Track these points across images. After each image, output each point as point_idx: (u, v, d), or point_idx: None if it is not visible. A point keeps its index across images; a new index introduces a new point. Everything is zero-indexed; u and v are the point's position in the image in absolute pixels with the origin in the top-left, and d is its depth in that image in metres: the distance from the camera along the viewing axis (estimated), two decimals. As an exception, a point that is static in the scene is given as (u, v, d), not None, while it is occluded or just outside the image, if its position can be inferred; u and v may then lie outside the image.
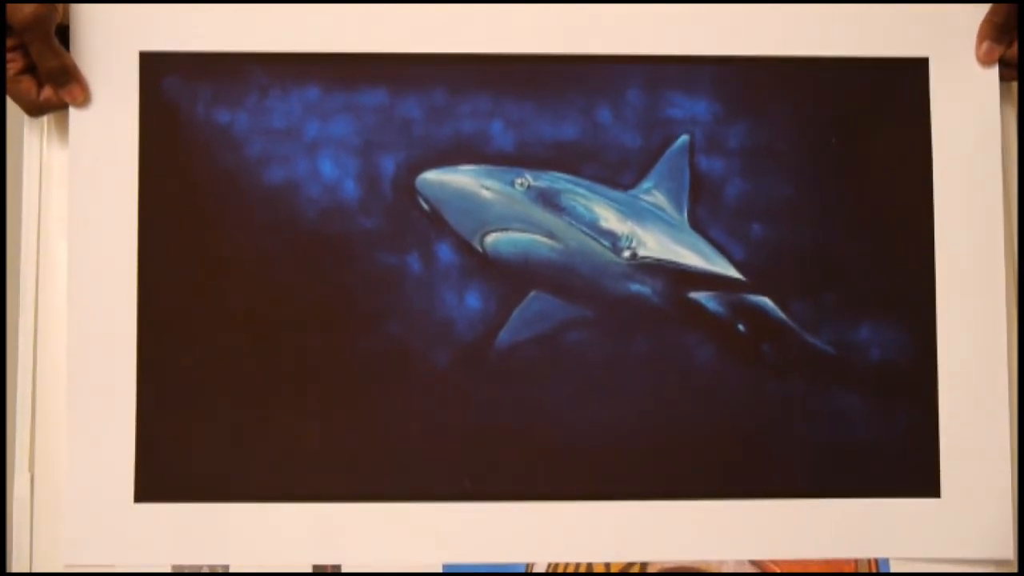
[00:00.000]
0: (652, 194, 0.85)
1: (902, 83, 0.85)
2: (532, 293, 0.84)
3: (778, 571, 0.83)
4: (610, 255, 0.84)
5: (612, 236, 0.84)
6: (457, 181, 0.84)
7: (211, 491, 0.82)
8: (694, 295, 0.84)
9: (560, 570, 0.83)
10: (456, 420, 0.83)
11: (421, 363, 0.83)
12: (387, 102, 0.84)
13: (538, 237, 0.84)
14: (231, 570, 0.82)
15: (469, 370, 0.83)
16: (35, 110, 0.82)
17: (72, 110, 0.82)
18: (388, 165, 0.84)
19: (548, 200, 0.84)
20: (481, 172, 0.84)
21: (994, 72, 0.84)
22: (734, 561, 0.83)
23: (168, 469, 0.82)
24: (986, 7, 0.83)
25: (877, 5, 0.85)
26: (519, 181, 0.84)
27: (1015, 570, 0.83)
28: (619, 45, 0.85)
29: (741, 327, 0.84)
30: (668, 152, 0.85)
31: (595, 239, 0.84)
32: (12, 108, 0.84)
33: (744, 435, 0.84)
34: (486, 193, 0.84)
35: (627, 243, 0.84)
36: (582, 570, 0.83)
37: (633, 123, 0.85)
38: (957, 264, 0.84)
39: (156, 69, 0.83)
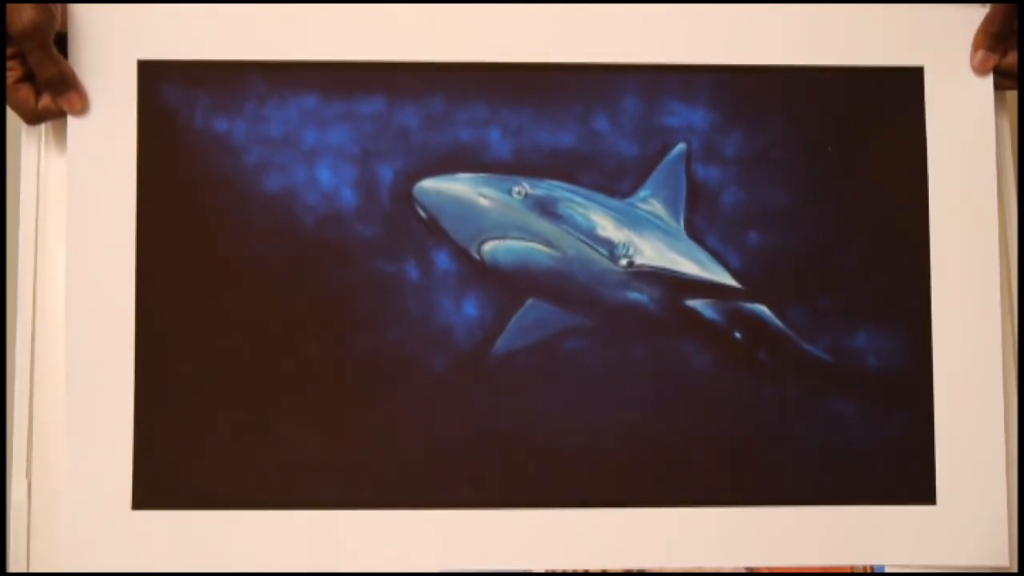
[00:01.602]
0: (649, 202, 0.85)
1: (898, 92, 0.85)
2: (529, 301, 0.84)
3: (774, 577, 0.83)
4: (607, 263, 0.85)
5: (609, 244, 0.85)
6: (454, 189, 0.84)
7: (209, 498, 0.82)
8: (691, 303, 0.85)
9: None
10: (454, 427, 0.83)
11: (419, 371, 0.83)
12: (385, 110, 0.84)
13: (535, 245, 0.84)
14: (229, 577, 0.82)
15: (467, 378, 0.83)
16: (33, 118, 0.82)
17: (70, 118, 0.82)
18: (386, 173, 0.84)
19: (545, 208, 0.84)
20: (479, 180, 0.84)
21: (989, 81, 0.85)
22: (730, 568, 0.83)
23: (166, 476, 0.82)
24: (981, 16, 0.84)
25: (873, 15, 0.85)
26: (516, 189, 0.84)
27: (1015, 570, 0.83)
28: (616, 54, 0.85)
29: (738, 335, 0.84)
30: (665, 160, 0.85)
31: (592, 247, 0.84)
32: (11, 116, 0.84)
33: (741, 442, 0.84)
34: (484, 201, 0.84)
35: (624, 251, 0.85)
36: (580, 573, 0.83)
37: (630, 131, 0.85)
38: (953, 272, 0.84)
39: (154, 77, 0.83)
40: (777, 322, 0.84)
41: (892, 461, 0.84)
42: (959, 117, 0.85)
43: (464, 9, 0.84)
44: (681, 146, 0.85)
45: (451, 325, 0.83)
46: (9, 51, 0.78)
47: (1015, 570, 0.83)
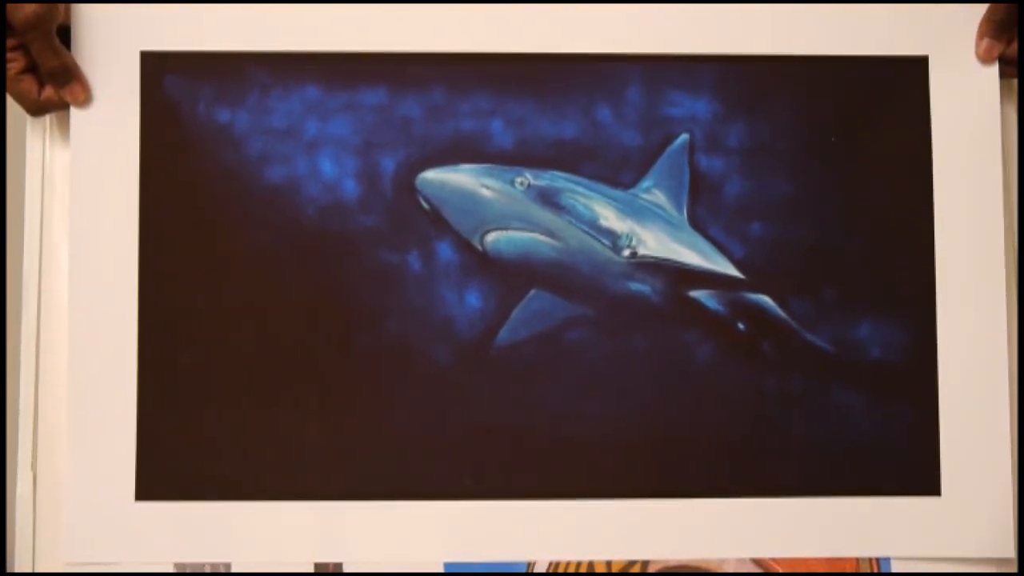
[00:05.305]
0: (652, 193, 0.85)
1: (902, 81, 0.85)
2: (532, 292, 0.84)
3: (779, 570, 0.83)
4: (610, 254, 0.84)
5: (612, 235, 0.84)
6: (457, 180, 0.84)
7: (212, 489, 0.82)
8: (694, 293, 0.84)
9: (561, 569, 0.83)
10: (456, 418, 0.83)
11: (421, 362, 0.83)
12: (387, 101, 0.84)
13: (538, 236, 0.84)
14: (233, 568, 0.82)
15: (469, 368, 0.83)
16: (37, 110, 0.82)
17: (73, 110, 0.83)
18: (388, 164, 0.84)
19: (548, 199, 0.84)
20: (481, 171, 0.84)
21: (994, 70, 0.84)
22: (735, 560, 0.83)
23: (169, 467, 0.82)
24: (985, 5, 0.83)
25: (877, 4, 0.85)
26: (519, 180, 0.84)
27: (1015, 569, 0.83)
28: (619, 44, 0.85)
29: (741, 325, 0.84)
30: (668, 151, 0.85)
31: (595, 238, 0.84)
32: (14, 108, 0.84)
33: (744, 433, 0.84)
34: (486, 192, 0.84)
35: (627, 242, 0.85)
36: (583, 569, 0.83)
37: (633, 122, 0.85)
38: (957, 262, 0.84)
39: (157, 68, 0.84)
40: (780, 313, 0.84)
41: (896, 452, 0.84)
42: (964, 106, 0.84)
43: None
44: (684, 136, 0.85)
45: (454, 316, 0.83)
46: (11, 42, 0.78)
47: (1018, 564, 0.83)
